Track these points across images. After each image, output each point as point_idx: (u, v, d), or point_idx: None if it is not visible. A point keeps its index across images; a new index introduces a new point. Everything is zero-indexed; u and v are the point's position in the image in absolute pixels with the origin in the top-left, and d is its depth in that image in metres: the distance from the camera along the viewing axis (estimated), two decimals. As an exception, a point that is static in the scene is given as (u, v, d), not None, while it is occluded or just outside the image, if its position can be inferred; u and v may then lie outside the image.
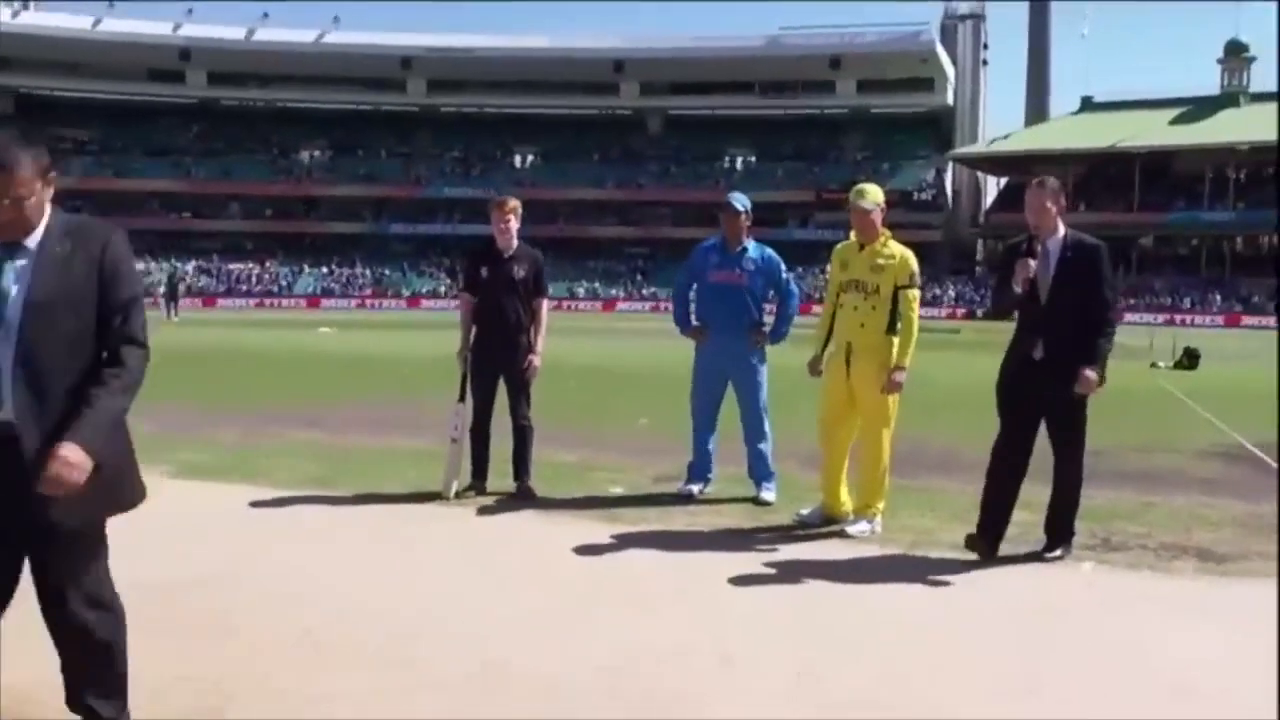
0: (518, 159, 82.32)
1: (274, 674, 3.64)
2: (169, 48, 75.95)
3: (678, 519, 6.12)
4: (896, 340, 5.94)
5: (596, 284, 70.59)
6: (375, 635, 4.06)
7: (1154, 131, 66.43)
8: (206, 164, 76.82)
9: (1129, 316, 51.50)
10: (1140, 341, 25.61)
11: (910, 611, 4.58)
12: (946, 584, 4.96)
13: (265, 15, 77.00)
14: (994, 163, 75.47)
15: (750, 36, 79.51)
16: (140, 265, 49.63)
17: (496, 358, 6.53)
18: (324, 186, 77.16)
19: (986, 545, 5.36)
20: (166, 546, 5.00)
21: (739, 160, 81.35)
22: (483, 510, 6.29)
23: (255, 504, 6.29)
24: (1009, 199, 72.58)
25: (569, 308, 63.93)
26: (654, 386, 13.78)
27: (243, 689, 3.49)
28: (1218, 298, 60.51)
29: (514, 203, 6.63)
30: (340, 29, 78.73)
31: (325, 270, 72.50)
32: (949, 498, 6.62)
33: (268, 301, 65.10)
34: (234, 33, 76.68)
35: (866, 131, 79.54)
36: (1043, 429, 5.43)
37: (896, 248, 6.05)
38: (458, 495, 6.51)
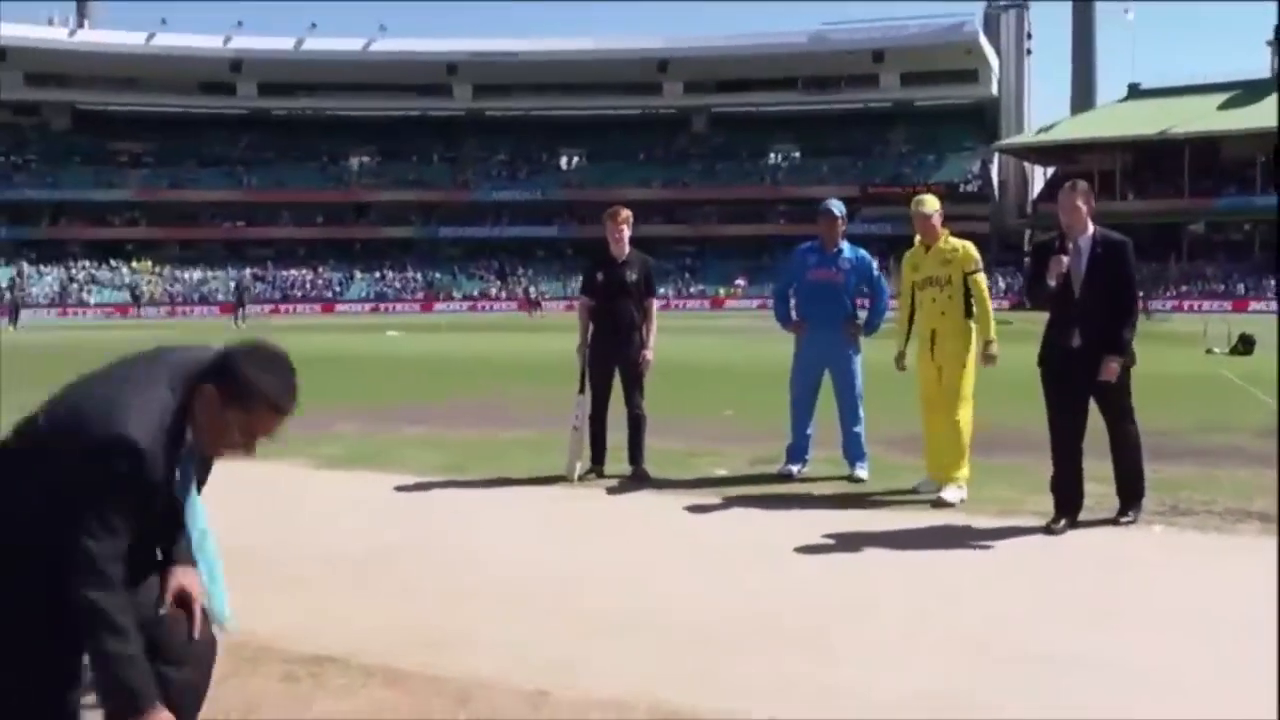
0: (564, 161, 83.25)
1: (475, 623, 4.37)
2: (220, 60, 77.74)
3: (787, 494, 6.84)
4: (974, 324, 6.73)
5: (645, 283, 71.29)
6: (549, 588, 4.81)
7: (1203, 117, 66.09)
8: (258, 173, 78.47)
9: (1184, 303, 51.52)
10: (1194, 328, 25.97)
11: (1003, 564, 5.26)
12: (1034, 542, 5.64)
13: (313, 25, 78.85)
14: (1040, 152, 75.37)
15: (793, 33, 79.88)
16: (198, 274, 50.98)
17: (613, 353, 7.28)
18: (373, 192, 78.56)
19: (1066, 521, 5.95)
20: (347, 524, 5.79)
21: (784, 157, 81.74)
22: (610, 490, 7.03)
23: (400, 488, 7.06)
24: (1057, 188, 72.25)
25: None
26: (728, 381, 14.52)
27: (448, 637, 4.20)
28: (1271, 283, 60.18)
29: (626, 213, 7.36)
30: (386, 36, 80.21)
31: (377, 275, 73.84)
32: (1028, 473, 7.23)
33: (327, 307, 66.45)
34: (283, 43, 78.41)
35: (911, 125, 79.69)
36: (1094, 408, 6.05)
37: (956, 241, 6.88)
38: (580, 478, 7.24)
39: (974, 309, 6.81)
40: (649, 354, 7.32)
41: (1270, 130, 63.23)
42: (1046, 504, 6.14)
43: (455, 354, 21.44)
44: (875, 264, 7.52)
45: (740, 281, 69.77)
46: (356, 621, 4.33)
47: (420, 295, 70.59)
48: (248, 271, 69.90)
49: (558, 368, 16.83)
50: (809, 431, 7.41)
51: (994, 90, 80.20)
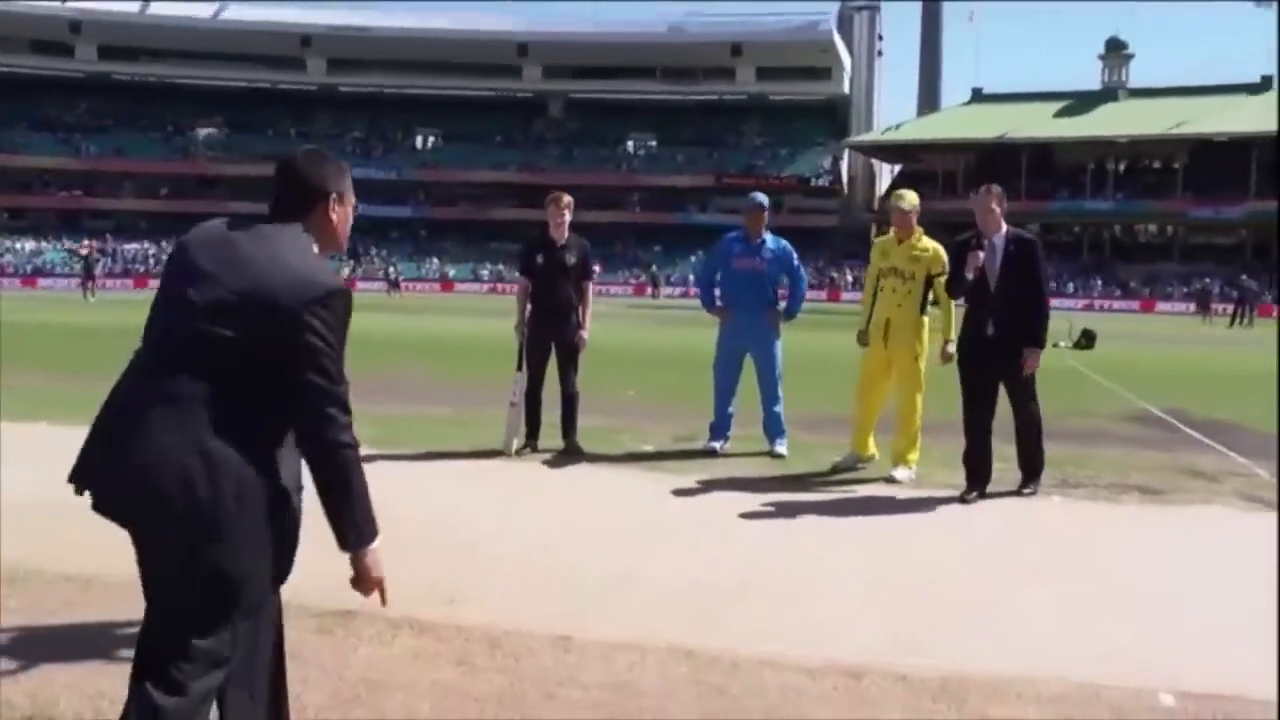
0: (419, 140, 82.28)
1: (480, 580, 4.69)
2: (58, 20, 73.97)
3: (716, 468, 7.32)
4: (926, 320, 7.27)
5: (501, 266, 71.12)
6: (535, 550, 5.16)
7: (1039, 123, 69.49)
8: (97, 140, 75.17)
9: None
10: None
11: (930, 529, 5.86)
12: (953, 510, 6.25)
13: (159, -11, 75.62)
14: (888, 150, 77.94)
15: (652, 23, 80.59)
16: (31, 244, 48.30)
17: (550, 333, 7.62)
18: (221, 165, 76.09)
19: (977, 492, 6.61)
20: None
21: (640, 145, 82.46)
22: (549, 464, 7.39)
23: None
24: (902, 185, 75.07)
25: (475, 290, 64.56)
26: (616, 362, 14.92)
27: (460, 593, 4.51)
28: (1098, 283, 63.78)
29: (568, 199, 7.70)
30: (238, 3, 77.70)
31: (224, 251, 71.59)
32: (930, 450, 7.87)
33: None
34: (127, 6, 75.04)
35: (765, 118, 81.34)
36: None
37: (929, 242, 7.32)
38: (517, 452, 7.56)
39: (929, 307, 7.31)
40: (585, 334, 7.69)
41: (1100, 139, 67.04)
42: (954, 478, 6.77)
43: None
44: (795, 254, 8.00)
45: (596, 268, 69.94)
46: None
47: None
48: (91, 243, 66.98)
49: (449, 348, 17.08)
50: (730, 410, 7.89)
51: (845, 88, 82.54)
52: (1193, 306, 48.47)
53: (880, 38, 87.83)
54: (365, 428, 7.72)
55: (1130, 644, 4.06)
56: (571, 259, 7.65)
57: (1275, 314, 40.13)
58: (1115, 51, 74.14)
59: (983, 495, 6.60)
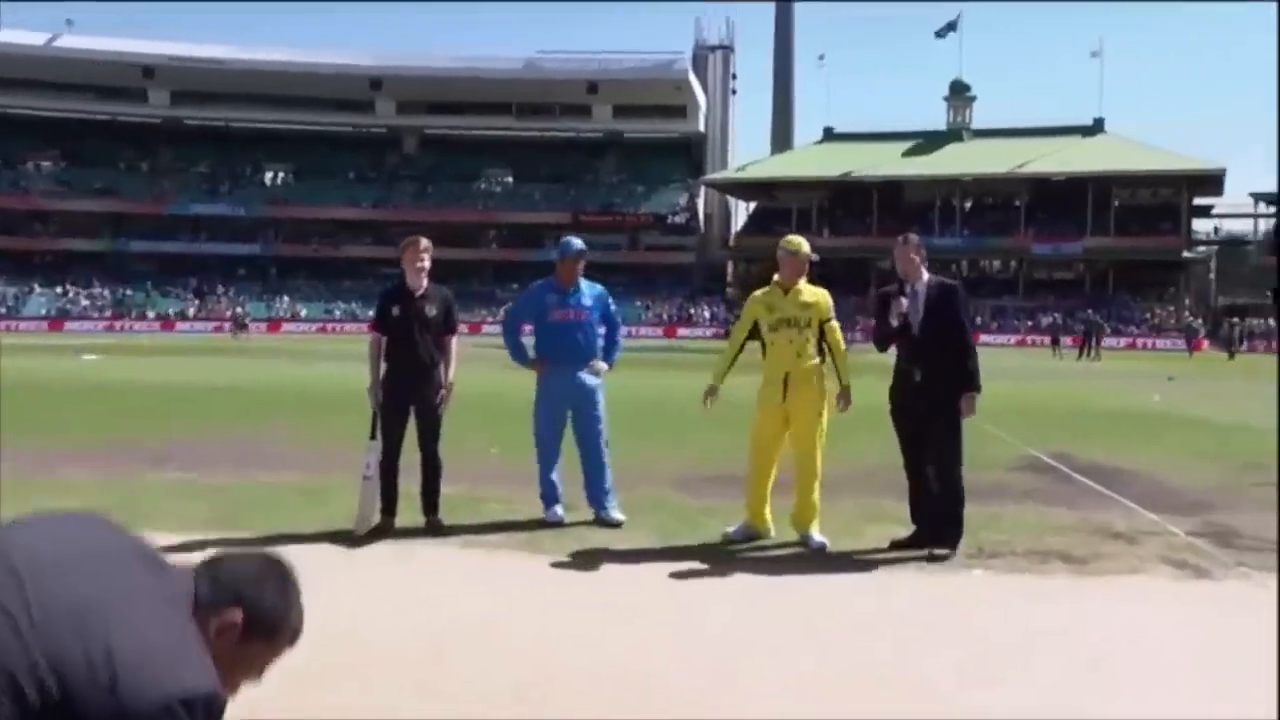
0: (269, 176, 79.90)
1: (321, 692, 3.74)
2: (-125, 47, 69.59)
3: (592, 538, 6.46)
4: (823, 366, 6.68)
5: (354, 305, 69.08)
6: (387, 657, 4.20)
7: (889, 162, 71.14)
8: (-81, 173, 70.72)
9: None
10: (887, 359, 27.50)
11: (867, 613, 5.08)
12: (881, 584, 5.52)
13: (-12, 16, 71.71)
14: (743, 188, 78.83)
15: (508, 59, 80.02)
16: None
17: (408, 395, 6.65)
18: (56, 200, 72.39)
19: (949, 548, 6.26)
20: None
21: (497, 182, 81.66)
22: (411, 543, 6.39)
23: (167, 549, 6.13)
24: (757, 223, 75.98)
25: (330, 330, 62.52)
26: (477, 414, 13.92)
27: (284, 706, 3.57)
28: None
29: (426, 242, 6.78)
30: (74, 32, 74.31)
31: (59, 290, 67.82)
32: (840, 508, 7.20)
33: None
34: (-48, 34, 71.03)
35: (622, 155, 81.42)
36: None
37: (815, 289, 6.74)
38: (371, 532, 6.57)
39: (826, 356, 6.76)
40: (449, 395, 6.75)
41: (946, 177, 68.86)
42: (857, 542, 6.12)
43: (176, 382, 19.60)
44: (611, 300, 7.34)
45: (460, 320, 68.47)
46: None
47: (108, 314, 65.30)
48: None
49: (304, 399, 15.73)
50: (554, 476, 7.09)
51: (701, 126, 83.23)
52: (1041, 340, 49.82)
53: (734, 77, 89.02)
54: (199, 504, 6.67)
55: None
56: (432, 310, 6.71)
57: (1276, 347, 41.34)
58: (959, 94, 76.53)
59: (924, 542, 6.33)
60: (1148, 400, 19.18)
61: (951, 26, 77.23)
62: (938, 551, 6.22)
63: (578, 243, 7.18)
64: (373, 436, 6.68)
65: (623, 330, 7.47)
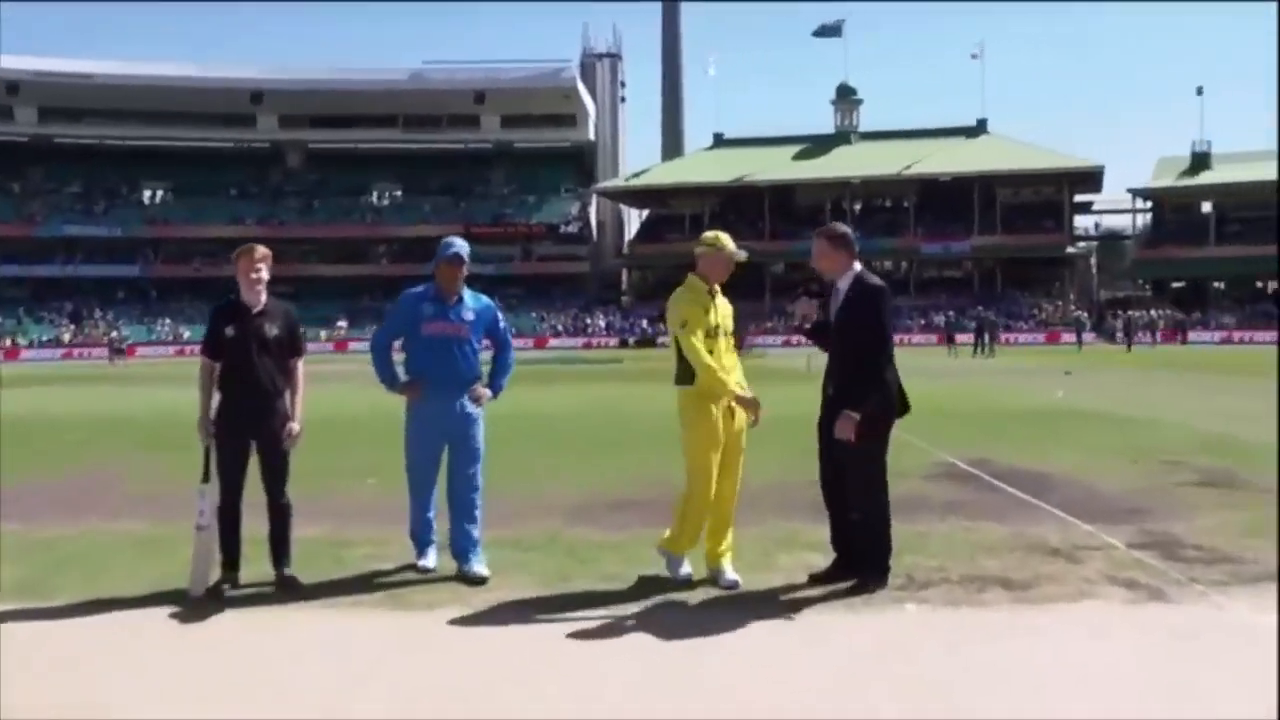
0: (147, 194, 77.09)
1: None
2: None
3: (474, 598, 5.50)
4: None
5: (241, 325, 66.72)
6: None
7: (779, 166, 71.28)
8: None
9: (764, 339, 54.70)
10: (795, 363, 27.00)
11: (786, 661, 4.25)
12: (806, 630, 4.71)
13: None
14: (634, 196, 78.36)
15: (393, 70, 78.50)
16: None
17: (248, 429, 5.64)
18: (-84, 225, 68.79)
19: (875, 582, 5.50)
20: None
21: (385, 195, 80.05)
22: (258, 608, 5.37)
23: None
24: (650, 230, 75.54)
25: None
26: (358, 435, 12.87)
27: None
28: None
29: (263, 250, 5.78)
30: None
31: (-79, 318, 64.33)
32: (748, 534, 6.41)
33: None
34: None
35: (512, 166, 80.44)
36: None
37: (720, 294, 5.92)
38: (210, 591, 5.55)
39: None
40: (296, 427, 5.76)
41: (836, 180, 69.23)
42: (770, 578, 5.30)
43: (23, 415, 18.07)
44: (500, 314, 6.32)
45: (342, 324, 66.83)
46: None
47: (-24, 342, 62.09)
48: None
49: (166, 431, 14.34)
50: (431, 514, 6.11)
51: (591, 135, 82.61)
52: (932, 338, 50.14)
53: (623, 84, 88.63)
54: (16, 565, 5.51)
55: None
56: (273, 329, 5.71)
57: (1277, 344, 41.78)
58: (846, 97, 77.14)
59: (842, 576, 5.59)
60: (1052, 397, 18.88)
61: (835, 30, 77.75)
62: (861, 590, 5.43)
63: (460, 244, 6.03)
64: (205, 479, 5.64)
65: (513, 353, 6.31)
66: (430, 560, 6.03)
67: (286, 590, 5.63)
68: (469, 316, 6.00)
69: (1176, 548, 6.43)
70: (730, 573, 5.68)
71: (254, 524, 5.81)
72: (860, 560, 5.57)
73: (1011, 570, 5.94)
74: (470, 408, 5.98)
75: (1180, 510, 7.64)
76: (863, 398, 5.40)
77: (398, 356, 6.04)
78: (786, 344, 50.55)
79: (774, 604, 5.35)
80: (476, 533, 5.99)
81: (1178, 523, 7.17)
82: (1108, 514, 7.51)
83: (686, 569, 5.77)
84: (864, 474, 5.51)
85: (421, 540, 6.12)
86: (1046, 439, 12.25)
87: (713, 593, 5.55)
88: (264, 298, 5.73)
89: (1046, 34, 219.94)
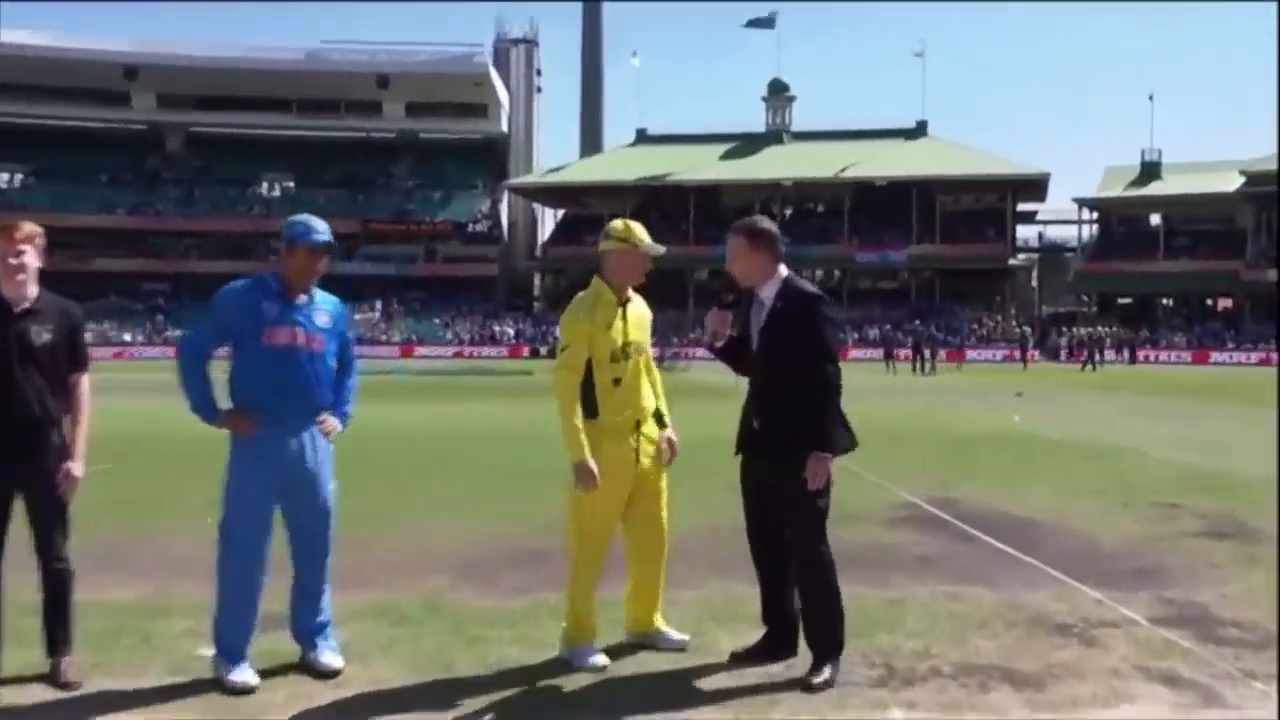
0: (4, 178, 74.29)
1: None
2: None
3: (320, 696, 4.36)
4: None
5: (106, 326, 64.33)
6: None
7: (705, 165, 70.82)
8: None
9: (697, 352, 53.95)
10: (727, 381, 26.11)
11: None
12: None
13: None
14: (550, 194, 77.43)
15: (288, 49, 76.73)
16: None
17: (9, 467, 4.43)
18: None
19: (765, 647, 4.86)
20: None
21: (276, 185, 78.35)
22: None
23: None
24: (566, 231, 74.56)
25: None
26: (199, 462, 11.56)
27: None
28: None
29: (29, 228, 4.59)
30: None
31: None
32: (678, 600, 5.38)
33: None
34: None
35: (417, 157, 79.22)
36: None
37: (639, 299, 5.08)
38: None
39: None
40: (76, 467, 4.53)
41: (766, 181, 68.92)
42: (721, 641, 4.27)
43: None
44: (350, 323, 5.05)
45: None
46: None
47: None
48: None
49: None
50: (254, 618, 4.69)
51: (504, 126, 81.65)
52: (868, 353, 49.80)
53: (539, 73, 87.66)
54: None
55: None
56: (44, 334, 4.48)
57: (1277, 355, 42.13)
58: (778, 94, 77.06)
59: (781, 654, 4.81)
60: (1008, 421, 18.18)
61: (768, 22, 77.57)
62: (814, 680, 4.49)
63: (322, 227, 4.77)
64: (-57, 537, 4.42)
65: (357, 377, 5.00)
66: (249, 676, 4.56)
67: (64, 688, 4.43)
68: (323, 321, 4.75)
69: (1212, 625, 5.53)
70: (673, 633, 5.00)
71: (23, 592, 4.61)
72: (807, 633, 4.72)
73: (1016, 657, 4.98)
74: (323, 444, 4.76)
75: (1198, 570, 6.80)
76: (818, 431, 4.56)
77: (218, 375, 4.77)
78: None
79: (717, 699, 4.34)
80: (326, 608, 4.83)
81: (1200, 588, 6.30)
82: (1113, 575, 6.62)
83: (597, 658, 4.76)
84: (808, 526, 4.65)
85: (233, 649, 4.63)
86: (1015, 473, 11.44)
87: (631, 677, 4.52)
88: (31, 292, 4.52)
89: (991, 33, 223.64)
